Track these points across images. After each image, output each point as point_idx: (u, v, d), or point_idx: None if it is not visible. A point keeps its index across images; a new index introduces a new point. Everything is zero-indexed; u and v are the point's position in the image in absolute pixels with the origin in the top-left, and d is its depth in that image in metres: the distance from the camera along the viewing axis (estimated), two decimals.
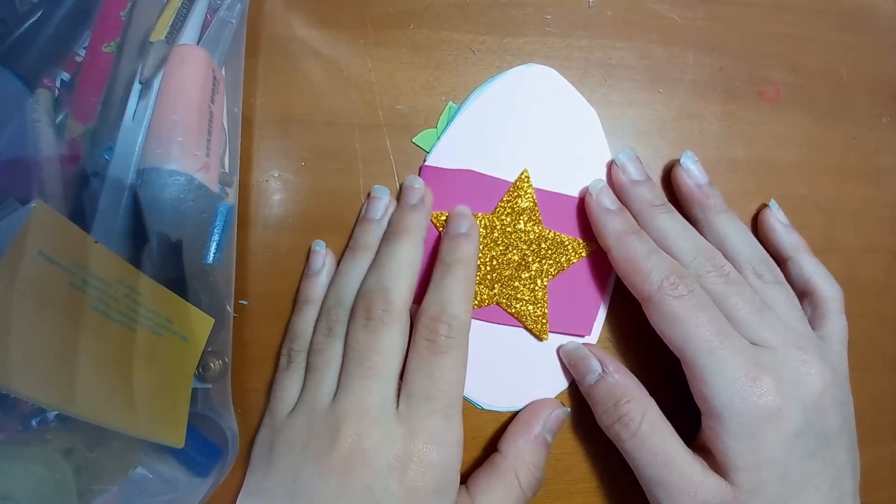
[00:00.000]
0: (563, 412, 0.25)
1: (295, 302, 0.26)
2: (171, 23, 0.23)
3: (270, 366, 0.26)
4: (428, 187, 0.26)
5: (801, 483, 0.21)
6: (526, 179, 0.26)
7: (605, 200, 0.25)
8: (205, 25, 0.24)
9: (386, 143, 0.27)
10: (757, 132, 0.29)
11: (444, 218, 0.26)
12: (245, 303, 0.26)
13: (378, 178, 0.26)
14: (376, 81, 0.27)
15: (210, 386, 0.24)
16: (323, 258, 0.25)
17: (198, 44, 0.23)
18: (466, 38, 0.28)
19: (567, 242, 0.26)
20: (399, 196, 0.26)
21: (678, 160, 0.26)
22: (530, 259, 0.26)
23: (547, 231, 0.26)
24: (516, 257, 0.26)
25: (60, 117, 0.24)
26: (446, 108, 0.27)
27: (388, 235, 0.24)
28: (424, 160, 0.26)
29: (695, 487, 0.21)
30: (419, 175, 0.26)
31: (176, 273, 0.22)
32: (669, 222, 0.24)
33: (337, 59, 0.27)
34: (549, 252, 0.26)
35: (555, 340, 0.26)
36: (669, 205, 0.25)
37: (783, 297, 0.24)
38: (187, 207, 0.22)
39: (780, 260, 0.26)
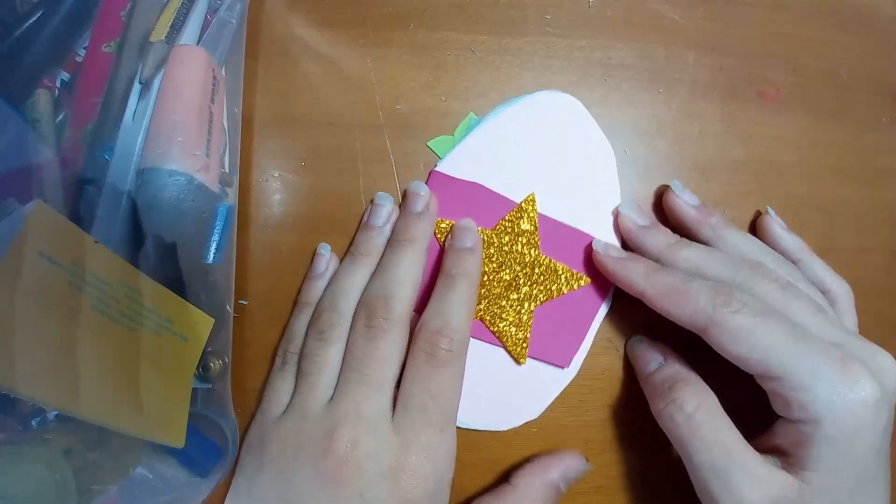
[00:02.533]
0: (584, 466, 0.25)
1: (295, 304, 0.26)
2: (171, 23, 0.23)
3: (270, 366, 0.26)
4: (433, 194, 0.25)
5: (871, 480, 0.20)
6: (531, 203, 0.26)
7: (614, 252, 0.25)
8: (205, 25, 0.24)
9: (386, 143, 0.27)
10: (757, 132, 0.29)
11: (444, 225, 0.26)
12: (245, 303, 0.26)
13: (378, 177, 0.27)
14: (376, 81, 0.27)
15: (210, 386, 0.24)
16: (326, 262, 0.25)
17: (198, 44, 0.23)
18: (466, 38, 0.28)
19: (561, 271, 0.26)
20: (403, 201, 0.26)
21: (668, 188, 0.26)
22: (521, 281, 0.25)
23: (543, 257, 0.26)
24: (508, 277, 0.25)
25: (60, 117, 0.24)
26: (466, 118, 0.27)
27: (393, 243, 0.24)
28: (436, 165, 0.26)
29: (756, 480, 0.20)
30: (429, 179, 0.26)
31: (176, 273, 0.22)
32: (694, 251, 0.24)
33: (337, 59, 0.27)
34: (542, 278, 0.26)
35: (532, 366, 0.26)
36: (684, 239, 0.25)
37: (817, 294, 0.23)
38: (187, 207, 0.22)
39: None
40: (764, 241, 0.26)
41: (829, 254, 0.28)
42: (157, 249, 0.21)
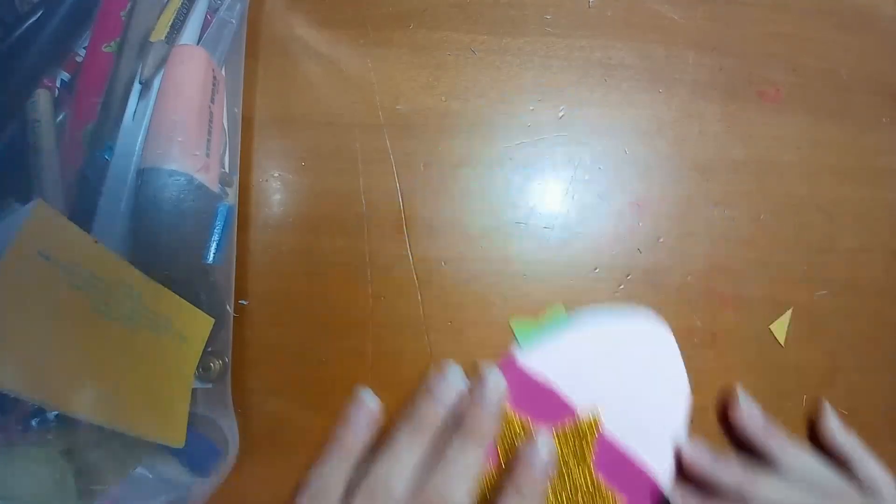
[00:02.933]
0: None
1: (330, 442, 0.24)
2: (171, 23, 0.23)
3: (270, 366, 0.26)
4: (505, 385, 0.25)
5: None
6: (595, 424, 0.26)
7: (694, 500, 0.25)
8: (205, 25, 0.24)
9: (386, 143, 0.27)
10: (757, 132, 0.29)
11: (511, 415, 0.25)
12: (245, 303, 0.26)
13: (378, 177, 0.27)
14: (376, 81, 0.27)
15: (210, 386, 0.24)
16: (370, 415, 0.24)
17: (198, 44, 0.23)
18: (466, 38, 0.28)
19: (606, 493, 0.25)
20: (479, 389, 0.24)
21: (735, 399, 0.26)
22: (564, 497, 0.25)
23: (593, 476, 0.26)
24: (557, 487, 0.25)
25: (60, 117, 0.24)
26: (554, 309, 0.27)
27: (461, 435, 0.23)
28: (515, 349, 0.26)
29: None
30: (506, 363, 0.26)
31: (176, 273, 0.22)
32: (774, 484, 0.24)
33: (337, 59, 0.27)
34: (587, 495, 0.26)
35: None
36: (754, 467, 0.25)
37: None
38: (187, 207, 0.22)
39: (842, 460, 0.26)
40: (820, 436, 0.27)
41: (829, 254, 0.28)
42: (157, 249, 0.21)
